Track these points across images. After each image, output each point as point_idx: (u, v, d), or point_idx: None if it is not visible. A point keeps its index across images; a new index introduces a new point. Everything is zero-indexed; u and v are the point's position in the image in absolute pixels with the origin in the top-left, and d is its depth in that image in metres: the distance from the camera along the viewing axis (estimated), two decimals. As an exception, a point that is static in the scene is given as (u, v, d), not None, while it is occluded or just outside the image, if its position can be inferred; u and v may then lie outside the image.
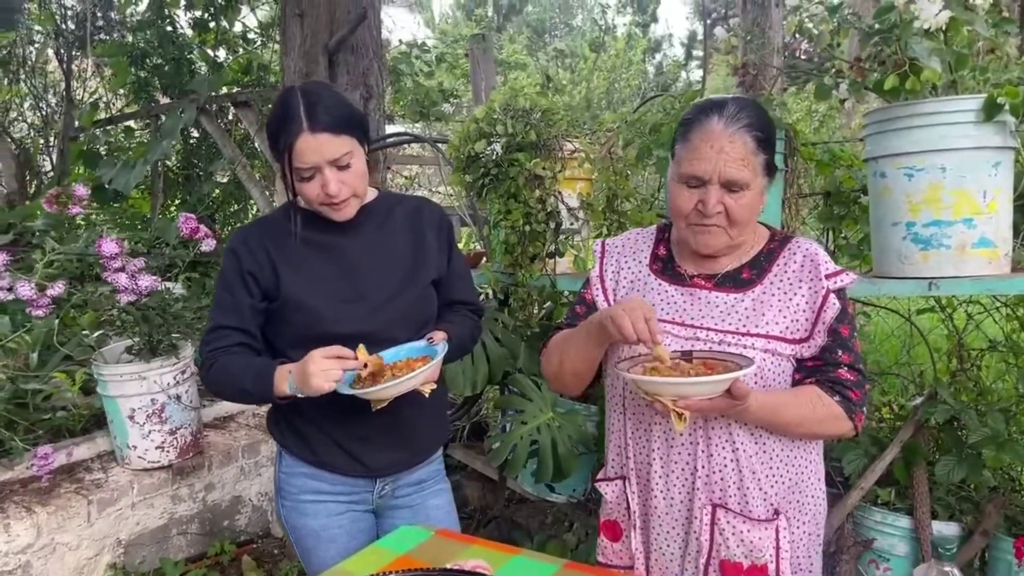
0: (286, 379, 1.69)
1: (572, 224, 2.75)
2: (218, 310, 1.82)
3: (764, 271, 1.61)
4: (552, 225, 2.67)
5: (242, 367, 1.75)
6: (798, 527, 1.63)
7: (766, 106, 2.37)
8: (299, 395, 1.68)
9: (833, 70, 2.23)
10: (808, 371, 1.58)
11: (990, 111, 1.99)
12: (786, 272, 1.59)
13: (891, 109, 2.13)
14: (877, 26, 1.97)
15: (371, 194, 1.90)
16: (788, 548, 1.58)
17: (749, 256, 1.64)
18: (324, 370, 1.61)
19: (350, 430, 1.85)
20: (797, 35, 2.34)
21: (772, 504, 1.59)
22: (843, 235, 3.00)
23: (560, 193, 2.71)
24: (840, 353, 1.56)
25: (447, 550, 1.82)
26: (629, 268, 1.74)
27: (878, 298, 2.95)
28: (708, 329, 1.58)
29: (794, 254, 1.61)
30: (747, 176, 1.51)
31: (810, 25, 2.25)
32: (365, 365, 1.68)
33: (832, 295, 1.54)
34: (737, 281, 1.61)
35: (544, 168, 2.59)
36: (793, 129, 2.52)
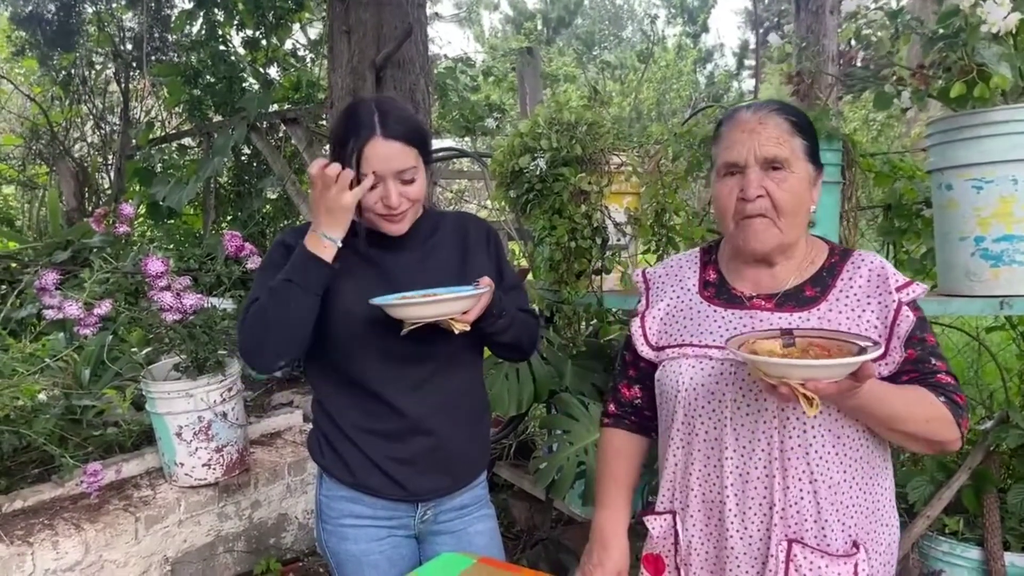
0: (315, 239, 1.65)
1: (619, 240, 2.68)
2: (257, 288, 1.75)
3: (828, 287, 1.51)
4: (598, 241, 2.60)
5: (272, 285, 1.67)
6: (876, 558, 1.52)
7: (822, 116, 2.28)
8: (332, 239, 1.65)
9: (894, 78, 2.12)
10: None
11: (1065, 119, 1.87)
12: (852, 287, 1.49)
13: (957, 118, 2.02)
14: (941, 31, 1.86)
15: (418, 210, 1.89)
16: None
17: (810, 272, 1.54)
18: (336, 194, 1.61)
19: (391, 453, 1.81)
20: (854, 42, 2.23)
21: (851, 536, 1.48)
22: (905, 249, 2.87)
23: (606, 208, 2.64)
24: (934, 361, 1.46)
25: (485, 579, 1.76)
26: (679, 298, 1.64)
27: (955, 317, 2.81)
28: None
29: (858, 268, 1.51)
30: (785, 152, 1.44)
31: (869, 31, 2.15)
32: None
33: (905, 307, 1.44)
34: (800, 300, 1.51)
35: (590, 183, 2.53)
36: (851, 140, 2.42)
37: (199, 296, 2.81)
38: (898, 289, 1.46)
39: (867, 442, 1.48)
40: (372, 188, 1.69)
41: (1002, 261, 2.00)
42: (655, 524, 1.65)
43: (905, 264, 2.81)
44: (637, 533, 3.19)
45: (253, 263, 3.03)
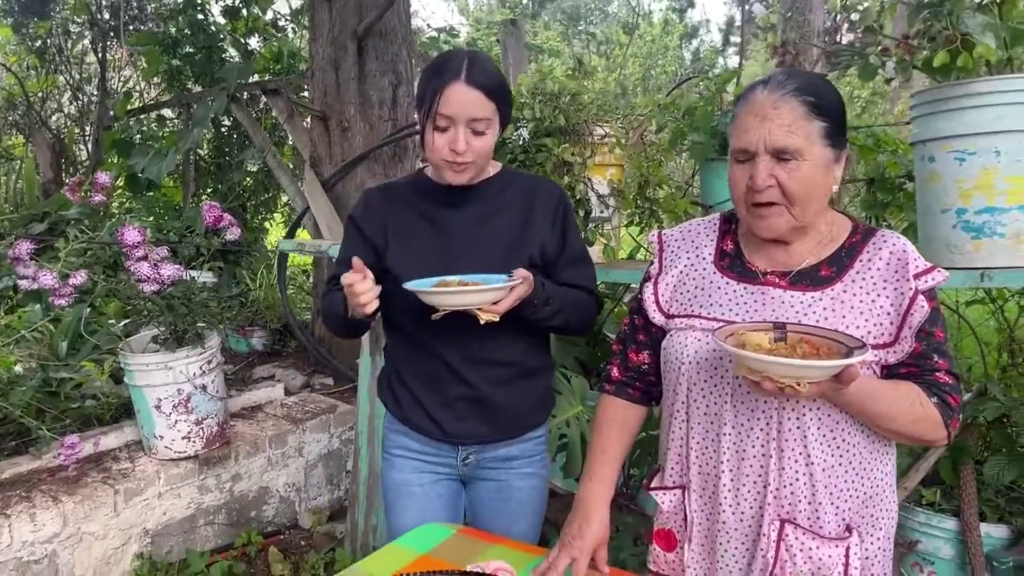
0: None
1: (602, 212, 2.66)
2: (335, 266, 1.98)
3: (845, 268, 1.47)
4: (581, 213, 2.59)
5: (331, 301, 1.91)
6: (872, 543, 1.51)
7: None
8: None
9: (879, 48, 2.11)
10: (902, 378, 1.45)
11: (1050, 90, 1.86)
12: (870, 270, 1.45)
13: (940, 89, 2.00)
14: (927, 0, 1.85)
15: (494, 167, 1.93)
16: (859, 566, 1.47)
17: (829, 251, 1.50)
18: (356, 301, 1.69)
19: (435, 396, 1.92)
20: (841, 13, 2.21)
21: (844, 520, 1.48)
22: (887, 223, 2.87)
23: (590, 180, 2.61)
24: (936, 359, 1.44)
25: (469, 549, 1.76)
26: (692, 266, 1.61)
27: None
28: None
29: (880, 249, 1.47)
30: (797, 142, 1.38)
31: (856, 1, 2.13)
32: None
33: (921, 296, 1.40)
34: (815, 279, 1.48)
35: (573, 154, 2.50)
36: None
37: (177, 267, 2.78)
38: (917, 276, 1.42)
39: (866, 428, 1.47)
40: (444, 130, 1.73)
41: (983, 233, 1.99)
42: (665, 499, 1.64)
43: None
44: (619, 506, 3.20)
45: (232, 234, 2.99)
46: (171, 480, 3.22)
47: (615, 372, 1.73)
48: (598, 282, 2.79)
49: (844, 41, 2.49)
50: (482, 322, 1.66)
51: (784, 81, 1.41)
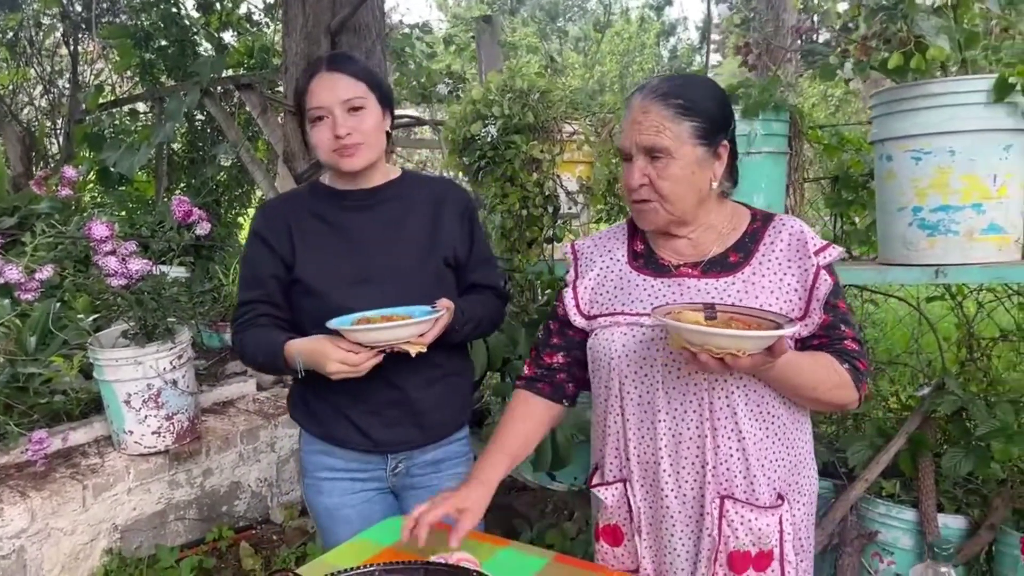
0: (295, 359, 1.73)
1: (571, 208, 2.69)
2: (242, 287, 1.88)
3: (751, 252, 1.57)
4: (550, 209, 2.61)
5: (257, 342, 1.81)
6: (799, 509, 1.61)
7: (770, 87, 2.30)
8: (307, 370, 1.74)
9: (839, 49, 2.15)
10: (814, 349, 1.55)
11: (1001, 91, 1.91)
12: (773, 251, 1.56)
13: (897, 90, 2.05)
14: (883, 2, 1.89)
15: (394, 172, 1.91)
16: (791, 531, 1.57)
17: (733, 239, 1.60)
18: (338, 370, 1.68)
19: (360, 405, 1.86)
20: (804, 14, 2.24)
21: (776, 489, 1.57)
22: (852, 220, 2.92)
23: (559, 177, 2.64)
24: (843, 328, 1.55)
25: (433, 541, 1.78)
26: (608, 268, 1.69)
27: (888, 286, 2.87)
28: None
29: (779, 232, 1.58)
30: (665, 142, 1.47)
31: (817, 0, 2.17)
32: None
33: (823, 271, 1.52)
34: (725, 265, 1.57)
35: (542, 151, 2.53)
36: (798, 112, 2.45)
37: (145, 261, 2.77)
38: (816, 252, 1.52)
39: (787, 401, 1.57)
40: (321, 122, 1.73)
41: (938, 231, 2.04)
42: (607, 494, 1.67)
43: (851, 235, 2.86)
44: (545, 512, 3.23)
45: (202, 229, 2.99)
46: (141, 475, 3.22)
47: (526, 370, 1.81)
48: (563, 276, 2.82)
49: (822, 41, 2.53)
50: (413, 354, 1.69)
51: (657, 86, 1.51)
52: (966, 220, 2.01)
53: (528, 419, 1.75)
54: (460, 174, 2.75)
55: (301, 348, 1.73)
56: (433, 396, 1.90)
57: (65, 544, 2.98)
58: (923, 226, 2.06)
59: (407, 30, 6.07)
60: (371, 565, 1.59)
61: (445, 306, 1.72)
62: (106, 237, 2.66)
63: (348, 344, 1.67)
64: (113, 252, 2.68)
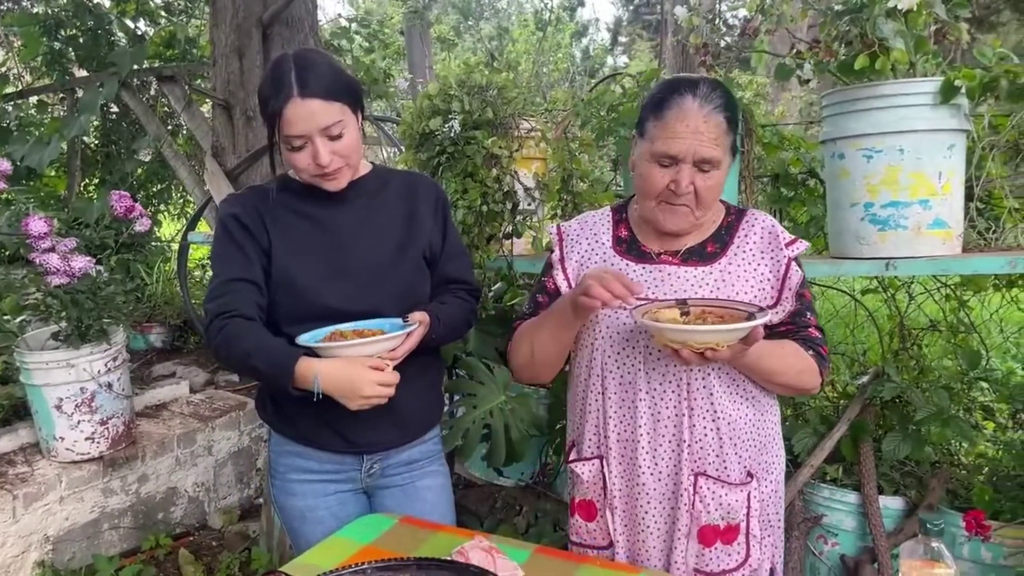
0: (311, 378, 1.61)
1: (529, 204, 2.70)
2: (224, 264, 1.73)
3: (727, 244, 1.66)
4: (509, 205, 2.62)
5: (258, 344, 1.65)
6: (767, 486, 1.70)
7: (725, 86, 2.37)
8: (322, 395, 1.62)
9: (793, 51, 2.24)
10: (781, 336, 1.65)
11: (947, 93, 2.02)
12: (747, 243, 1.65)
13: (851, 91, 2.14)
14: (844, 6, 1.97)
15: (364, 167, 1.86)
16: (758, 507, 1.66)
17: (711, 231, 1.68)
18: (376, 393, 1.63)
19: (338, 407, 1.76)
20: (760, 14, 2.32)
21: (746, 467, 1.66)
22: (790, 217, 3.03)
23: (516, 173, 2.65)
24: (808, 315, 1.66)
25: (413, 538, 1.76)
26: (592, 250, 1.75)
27: (835, 279, 3.00)
28: None
29: (752, 226, 1.68)
30: (719, 155, 1.54)
31: (770, 2, 2.25)
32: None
33: (793, 263, 1.62)
34: (702, 255, 1.66)
35: (501, 147, 2.53)
36: (749, 111, 2.53)
37: (88, 259, 2.63)
38: (787, 245, 1.63)
39: (758, 384, 1.66)
40: (300, 149, 1.65)
41: (888, 225, 2.15)
42: (584, 469, 1.74)
43: (791, 231, 2.96)
44: (537, 493, 3.26)
45: (142, 226, 2.87)
46: (73, 483, 3.07)
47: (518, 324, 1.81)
48: (522, 272, 2.83)
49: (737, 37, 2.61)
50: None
51: (710, 94, 1.53)
52: (914, 215, 2.12)
53: None
54: (417, 169, 2.72)
55: (325, 370, 1.61)
56: (410, 393, 1.85)
57: (-7, 558, 2.82)
58: (874, 221, 2.16)
59: (344, 23, 5.96)
60: (364, 563, 1.57)
61: (418, 319, 1.70)
62: (44, 233, 2.52)
63: (376, 362, 1.62)
64: (52, 249, 2.54)
